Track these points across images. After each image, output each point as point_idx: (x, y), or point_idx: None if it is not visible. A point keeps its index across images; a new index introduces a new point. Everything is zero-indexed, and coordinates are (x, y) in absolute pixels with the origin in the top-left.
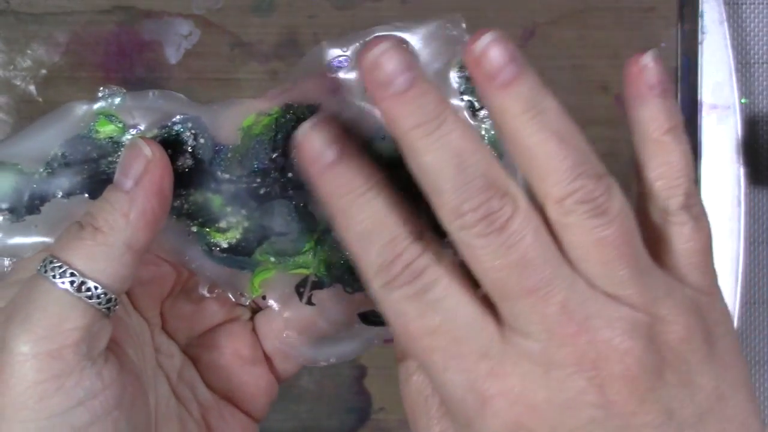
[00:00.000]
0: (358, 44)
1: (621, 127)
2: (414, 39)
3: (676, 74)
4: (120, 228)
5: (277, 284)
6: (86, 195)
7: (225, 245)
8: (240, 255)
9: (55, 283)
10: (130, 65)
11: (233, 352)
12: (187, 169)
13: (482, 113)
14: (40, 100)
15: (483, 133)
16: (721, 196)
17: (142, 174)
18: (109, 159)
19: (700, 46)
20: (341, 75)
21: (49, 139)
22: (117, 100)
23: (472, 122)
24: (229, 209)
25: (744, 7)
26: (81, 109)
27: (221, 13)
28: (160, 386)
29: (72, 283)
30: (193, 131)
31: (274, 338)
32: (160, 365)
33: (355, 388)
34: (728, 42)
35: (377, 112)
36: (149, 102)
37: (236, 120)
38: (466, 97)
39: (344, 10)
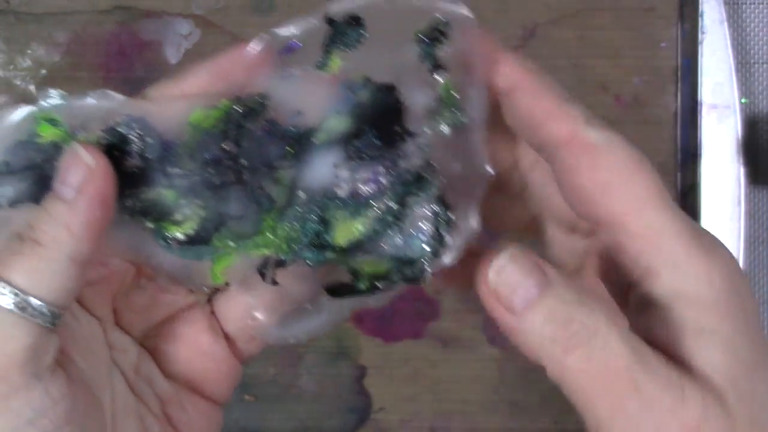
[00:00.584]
0: (304, 24)
1: (621, 127)
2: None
3: (676, 74)
4: (62, 241)
5: (238, 269)
6: (30, 203)
7: (182, 237)
8: (198, 244)
9: (18, 310)
10: (130, 65)
11: (193, 339)
12: (135, 170)
13: (440, 73)
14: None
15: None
16: (721, 196)
17: (84, 183)
18: (55, 164)
19: (700, 46)
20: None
21: None
22: (55, 103)
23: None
24: (183, 201)
25: (744, 7)
26: (16, 114)
27: (221, 13)
28: (117, 385)
29: (14, 301)
30: (138, 132)
31: (237, 320)
32: (116, 362)
33: (355, 388)
34: (728, 42)
35: (320, 80)
36: (88, 103)
37: (181, 115)
38: (425, 62)
39: None
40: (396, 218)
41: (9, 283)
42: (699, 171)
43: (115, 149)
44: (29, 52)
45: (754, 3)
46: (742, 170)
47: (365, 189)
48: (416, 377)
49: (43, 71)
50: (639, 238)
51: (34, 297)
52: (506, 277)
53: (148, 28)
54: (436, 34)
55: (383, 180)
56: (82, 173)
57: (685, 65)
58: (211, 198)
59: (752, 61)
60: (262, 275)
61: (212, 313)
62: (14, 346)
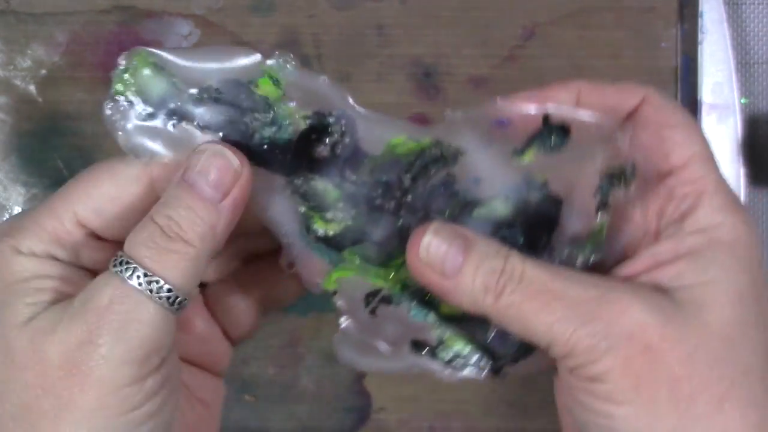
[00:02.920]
0: (526, 108)
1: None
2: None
3: (676, 74)
4: (208, 241)
5: (350, 285)
6: (220, 134)
7: (322, 233)
8: (332, 247)
9: (153, 300)
10: None
11: (188, 322)
12: (320, 158)
13: (604, 211)
14: (40, 100)
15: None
16: None
17: (231, 188)
18: (255, 114)
19: (700, 46)
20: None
21: (210, 70)
22: (288, 68)
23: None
24: (341, 205)
25: (744, 7)
26: (250, 58)
27: (221, 13)
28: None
29: (168, 299)
30: (343, 128)
31: (228, 309)
32: None
33: (355, 388)
34: (728, 42)
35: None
36: (316, 86)
37: (386, 134)
38: (597, 197)
39: (344, 10)
40: None
41: (167, 281)
42: None
43: (314, 132)
44: (29, 52)
45: (754, 3)
46: (742, 170)
47: None
48: (416, 377)
49: (43, 71)
50: (688, 185)
51: (183, 294)
52: (434, 250)
53: (148, 28)
54: (621, 179)
55: None
56: (230, 179)
57: (685, 65)
58: (365, 214)
59: (752, 61)
60: (367, 302)
61: (204, 303)
62: (163, 339)
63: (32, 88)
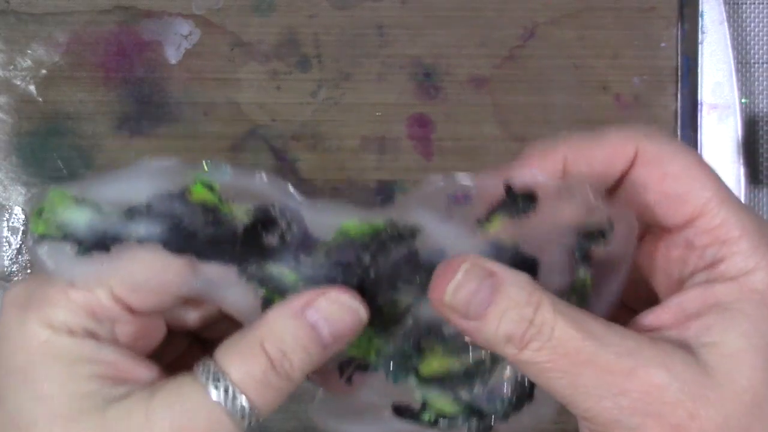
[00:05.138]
0: (483, 180)
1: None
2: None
3: (676, 74)
4: (304, 374)
5: None
6: (161, 245)
7: None
8: None
9: (244, 429)
10: (130, 65)
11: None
12: (271, 247)
13: (586, 267)
14: (40, 100)
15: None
16: None
17: (345, 333)
18: (194, 219)
19: (700, 46)
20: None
21: (135, 188)
22: (221, 170)
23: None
24: (301, 286)
25: (744, 7)
26: (176, 169)
27: (221, 13)
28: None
29: (250, 423)
30: (287, 220)
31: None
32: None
33: None
34: (728, 42)
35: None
36: (253, 184)
37: (336, 220)
38: (575, 254)
39: (344, 10)
40: (484, 371)
41: (255, 407)
42: None
43: (260, 225)
44: (29, 52)
45: (754, 3)
46: (742, 170)
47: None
48: None
49: (43, 71)
50: (707, 234)
51: (262, 416)
52: (462, 293)
53: (148, 28)
54: (598, 235)
55: None
56: (350, 326)
57: (685, 65)
58: None
59: (752, 61)
60: (341, 372)
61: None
62: None
63: (32, 88)
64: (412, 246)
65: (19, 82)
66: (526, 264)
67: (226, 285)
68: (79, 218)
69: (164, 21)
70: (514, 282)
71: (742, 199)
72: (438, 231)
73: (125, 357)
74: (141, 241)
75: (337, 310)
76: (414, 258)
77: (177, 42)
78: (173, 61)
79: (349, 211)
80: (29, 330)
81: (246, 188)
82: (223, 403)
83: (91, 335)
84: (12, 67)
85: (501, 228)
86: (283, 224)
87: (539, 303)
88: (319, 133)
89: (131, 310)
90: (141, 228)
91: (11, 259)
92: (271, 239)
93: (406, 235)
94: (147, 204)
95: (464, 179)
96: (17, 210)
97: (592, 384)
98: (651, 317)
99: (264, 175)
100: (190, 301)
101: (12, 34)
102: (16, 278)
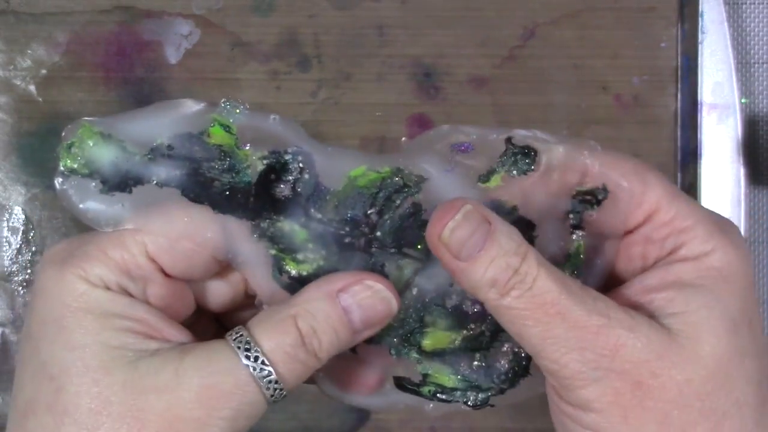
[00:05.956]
0: (486, 133)
1: (621, 127)
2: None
3: (676, 74)
4: (330, 356)
5: None
6: (180, 191)
7: (295, 274)
8: (305, 285)
9: (262, 390)
10: (130, 65)
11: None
12: (283, 198)
13: (579, 233)
14: (40, 100)
15: (575, 244)
16: (721, 196)
17: (375, 321)
18: (212, 164)
19: (700, 46)
20: (460, 158)
21: (158, 127)
22: (237, 113)
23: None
24: (311, 245)
25: (744, 7)
26: (197, 108)
27: (221, 13)
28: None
29: (273, 392)
30: (300, 165)
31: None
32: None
33: None
34: (728, 42)
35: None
36: (267, 125)
37: (345, 167)
38: (570, 216)
39: (344, 10)
40: (484, 345)
41: (285, 384)
42: (699, 171)
43: (273, 172)
44: (29, 52)
45: (754, 3)
46: (742, 170)
47: (471, 308)
48: None
49: (43, 71)
50: (664, 227)
51: (286, 390)
52: (458, 233)
53: (148, 28)
54: (592, 200)
55: None
56: (382, 316)
57: (685, 65)
58: (336, 254)
59: (752, 61)
60: None
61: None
62: (251, 425)
63: (32, 88)
64: (417, 199)
65: (19, 82)
66: (523, 226)
67: (238, 239)
68: (105, 155)
69: (164, 21)
70: (506, 232)
71: (742, 199)
72: (441, 183)
73: (157, 317)
74: (161, 184)
75: (370, 298)
76: (418, 214)
77: (177, 42)
78: (173, 61)
79: (357, 157)
80: (67, 283)
81: (260, 128)
82: (252, 370)
83: (126, 292)
84: (12, 67)
85: (501, 184)
86: (296, 171)
87: (525, 254)
88: (319, 133)
89: (164, 273)
90: (161, 171)
91: (11, 259)
92: (284, 189)
93: (411, 183)
94: (168, 144)
95: (469, 129)
96: (17, 210)
97: (561, 336)
98: (614, 295)
99: (277, 117)
100: (215, 280)
101: (12, 34)
102: (16, 278)
